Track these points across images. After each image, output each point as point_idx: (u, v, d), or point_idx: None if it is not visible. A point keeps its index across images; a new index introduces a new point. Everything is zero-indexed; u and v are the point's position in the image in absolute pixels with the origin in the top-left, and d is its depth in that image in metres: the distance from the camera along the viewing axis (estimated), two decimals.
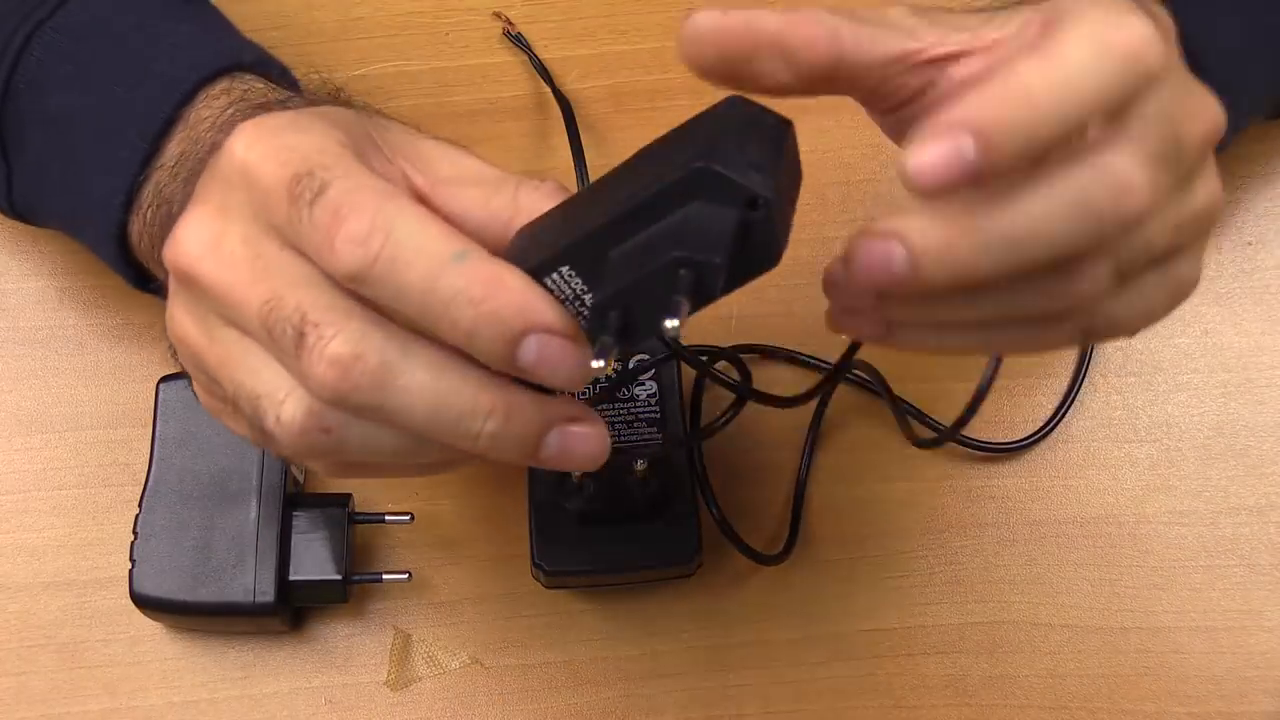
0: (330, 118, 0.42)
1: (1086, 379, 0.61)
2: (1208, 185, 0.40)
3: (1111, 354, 0.62)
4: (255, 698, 0.56)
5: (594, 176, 0.61)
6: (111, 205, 0.50)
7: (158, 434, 0.56)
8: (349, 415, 0.39)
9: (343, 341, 0.37)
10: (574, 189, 0.61)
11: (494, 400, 0.38)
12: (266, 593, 0.54)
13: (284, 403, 0.39)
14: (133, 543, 0.55)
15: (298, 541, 0.55)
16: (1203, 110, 0.39)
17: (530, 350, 0.37)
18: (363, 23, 0.67)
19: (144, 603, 0.54)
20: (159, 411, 0.57)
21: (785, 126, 0.38)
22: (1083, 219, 0.36)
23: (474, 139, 0.64)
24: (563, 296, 0.38)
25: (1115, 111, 0.36)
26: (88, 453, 0.59)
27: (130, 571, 0.54)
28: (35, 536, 0.58)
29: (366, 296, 0.38)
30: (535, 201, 0.41)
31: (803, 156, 0.41)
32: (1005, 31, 0.39)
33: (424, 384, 0.38)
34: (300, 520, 0.55)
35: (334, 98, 0.50)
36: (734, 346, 0.61)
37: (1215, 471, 0.60)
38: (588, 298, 0.38)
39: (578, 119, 0.64)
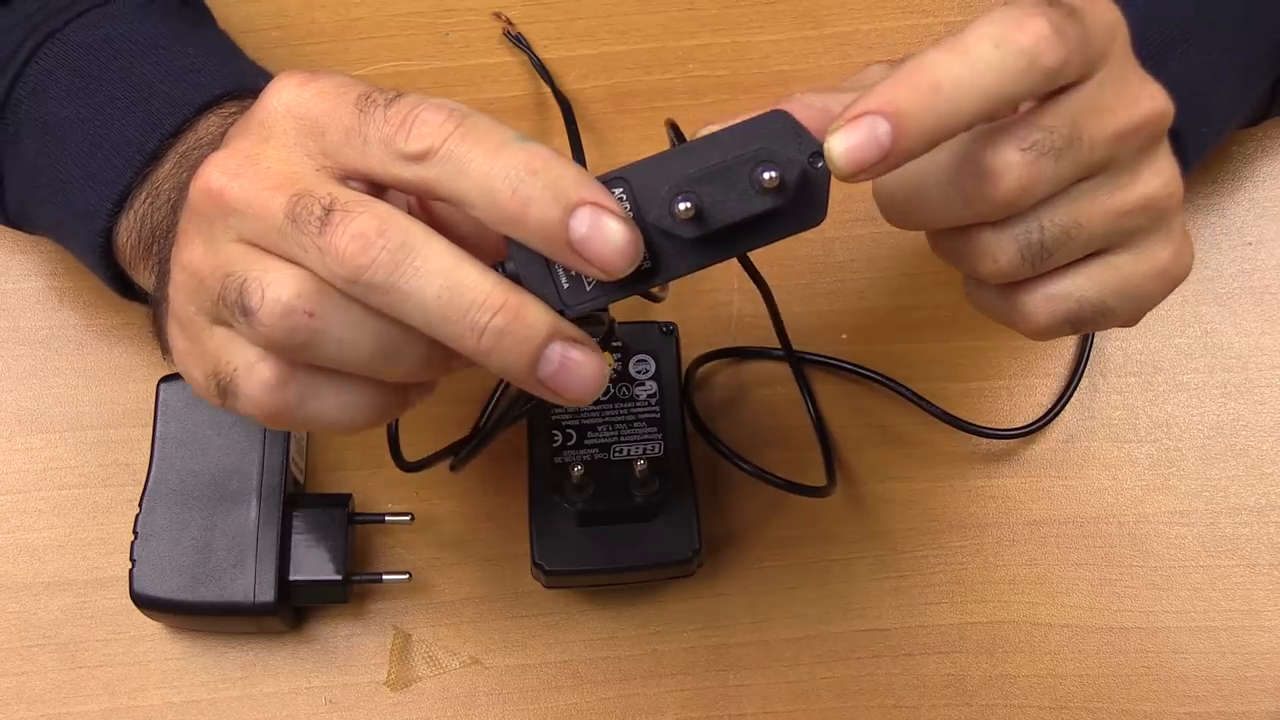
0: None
1: (1086, 378, 0.61)
2: (1158, 172, 0.43)
3: (1111, 354, 0.62)
4: (255, 698, 0.56)
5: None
6: (98, 214, 0.51)
7: (158, 434, 0.56)
8: (343, 302, 0.39)
9: (370, 218, 0.38)
10: None
11: (506, 296, 0.38)
12: (266, 593, 0.54)
13: (273, 282, 0.39)
14: (133, 543, 0.55)
15: (298, 541, 0.55)
16: (1128, 103, 0.42)
17: (583, 220, 0.38)
18: (363, 23, 0.67)
19: (144, 603, 0.54)
20: (159, 411, 0.57)
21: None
22: (952, 195, 0.41)
23: None
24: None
25: (1016, 102, 0.40)
26: (88, 453, 0.59)
27: (130, 571, 0.54)
28: (35, 536, 0.58)
29: (427, 176, 0.39)
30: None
31: None
32: None
33: (441, 268, 0.38)
34: (300, 520, 0.55)
35: None
36: (733, 347, 0.61)
37: (1215, 471, 0.60)
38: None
39: (578, 119, 0.64)
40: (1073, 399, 0.61)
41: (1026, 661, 0.57)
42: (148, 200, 0.50)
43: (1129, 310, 0.45)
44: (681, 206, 0.39)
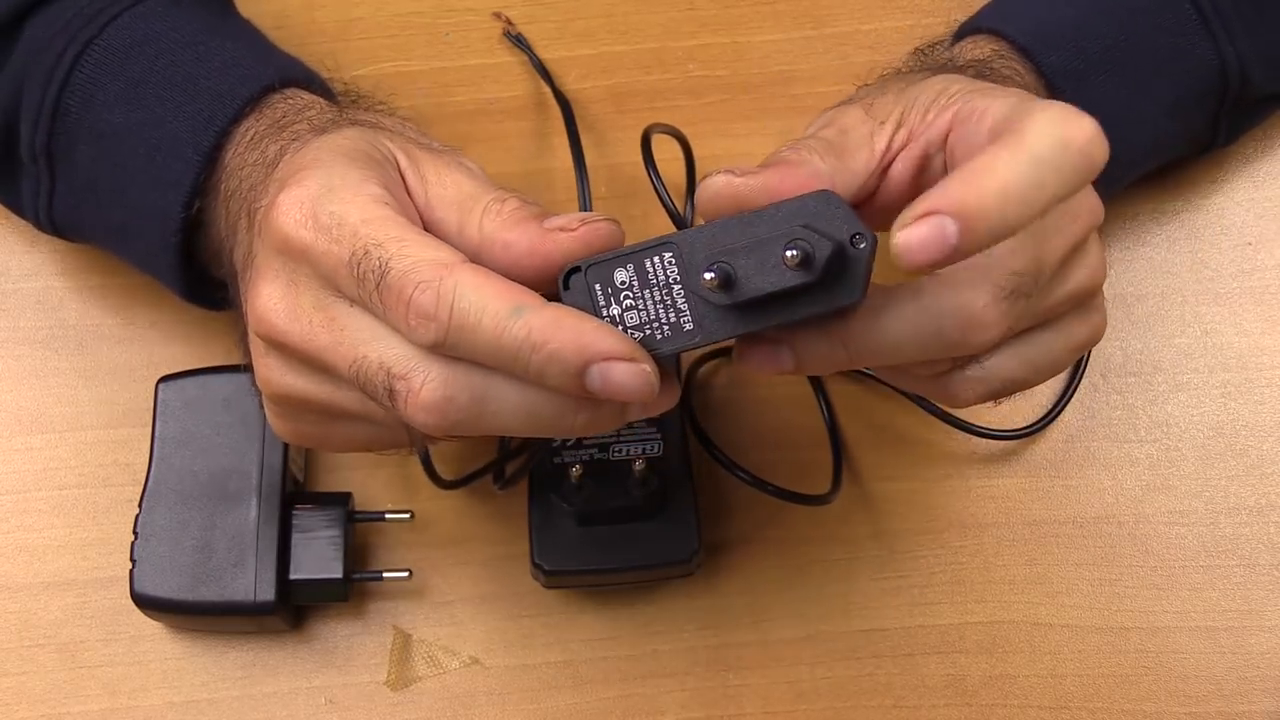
0: (352, 156, 0.45)
1: (1086, 379, 0.61)
2: (1086, 265, 0.46)
3: (1111, 354, 0.62)
4: (255, 698, 0.56)
5: (594, 177, 0.62)
6: (169, 215, 0.52)
7: (157, 434, 0.56)
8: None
9: (432, 388, 0.42)
10: (574, 189, 0.61)
11: (579, 399, 0.42)
12: (267, 592, 0.54)
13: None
14: (133, 543, 0.55)
15: (298, 540, 0.55)
16: (1072, 217, 0.44)
17: (595, 378, 0.40)
18: (363, 23, 0.67)
19: (145, 603, 0.54)
20: (158, 411, 0.57)
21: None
22: (934, 344, 0.43)
23: (474, 139, 0.65)
24: (659, 279, 0.42)
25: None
26: (88, 453, 0.59)
27: (131, 571, 0.54)
28: (35, 536, 0.58)
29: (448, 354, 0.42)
30: (496, 229, 0.44)
31: None
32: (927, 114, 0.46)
33: (515, 402, 0.42)
34: (300, 519, 0.55)
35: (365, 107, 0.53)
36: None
37: (1215, 471, 0.60)
38: (677, 287, 0.42)
39: (578, 119, 0.64)
40: (1073, 399, 0.61)
41: (1026, 661, 0.57)
42: (231, 174, 0.51)
43: (1042, 379, 0.48)
44: (707, 276, 0.40)
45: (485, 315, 0.40)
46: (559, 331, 0.40)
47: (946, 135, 0.46)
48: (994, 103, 0.44)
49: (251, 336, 0.46)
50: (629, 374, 0.40)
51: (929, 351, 0.43)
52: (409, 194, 0.46)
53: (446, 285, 0.40)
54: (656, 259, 0.42)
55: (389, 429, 0.46)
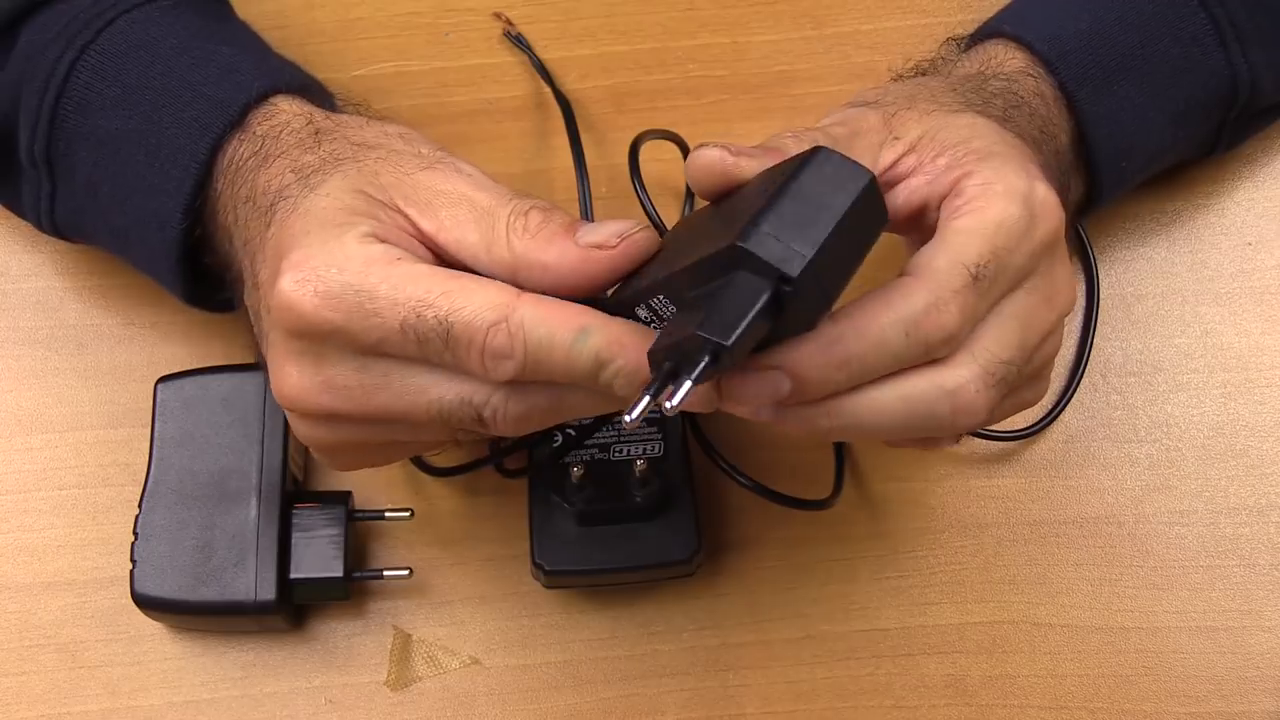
0: (341, 218, 0.45)
1: (1086, 379, 0.61)
2: (1053, 341, 0.48)
3: (1111, 354, 0.62)
4: (255, 698, 0.56)
5: (594, 177, 0.62)
6: (169, 222, 0.52)
7: (157, 434, 0.56)
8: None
9: (514, 405, 0.44)
10: (574, 189, 0.61)
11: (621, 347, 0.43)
12: (268, 591, 0.54)
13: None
14: (133, 543, 0.55)
15: (298, 540, 0.55)
16: (1049, 306, 0.46)
17: None
18: (363, 23, 0.67)
19: (145, 603, 0.54)
20: (158, 411, 0.57)
21: (862, 181, 0.41)
22: (923, 424, 0.44)
23: (474, 139, 0.65)
24: (660, 316, 0.44)
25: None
26: (88, 453, 0.59)
27: (131, 572, 0.54)
28: (35, 536, 0.58)
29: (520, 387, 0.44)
30: (528, 250, 0.44)
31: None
32: (937, 152, 0.47)
33: (583, 401, 0.45)
34: (300, 518, 0.55)
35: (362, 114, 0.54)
36: None
37: (1215, 471, 0.60)
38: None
39: (578, 119, 0.64)
40: (1073, 399, 0.61)
41: (1026, 661, 0.57)
42: (232, 168, 0.51)
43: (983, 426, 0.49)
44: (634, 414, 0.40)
45: (555, 344, 0.42)
46: (623, 350, 0.42)
47: (947, 193, 0.46)
48: (975, 204, 0.45)
49: (288, 412, 0.47)
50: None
51: (912, 430, 0.44)
52: (415, 224, 0.46)
53: (515, 324, 0.42)
54: (654, 302, 0.44)
55: (436, 440, 0.48)
